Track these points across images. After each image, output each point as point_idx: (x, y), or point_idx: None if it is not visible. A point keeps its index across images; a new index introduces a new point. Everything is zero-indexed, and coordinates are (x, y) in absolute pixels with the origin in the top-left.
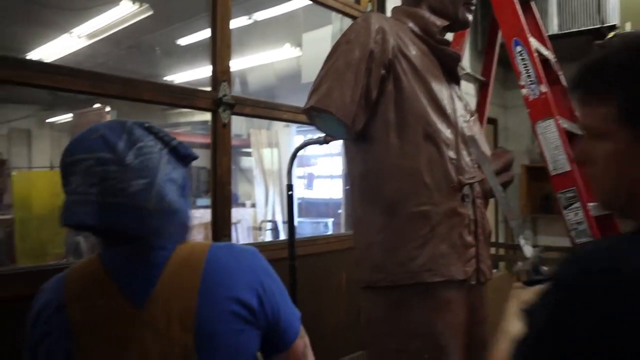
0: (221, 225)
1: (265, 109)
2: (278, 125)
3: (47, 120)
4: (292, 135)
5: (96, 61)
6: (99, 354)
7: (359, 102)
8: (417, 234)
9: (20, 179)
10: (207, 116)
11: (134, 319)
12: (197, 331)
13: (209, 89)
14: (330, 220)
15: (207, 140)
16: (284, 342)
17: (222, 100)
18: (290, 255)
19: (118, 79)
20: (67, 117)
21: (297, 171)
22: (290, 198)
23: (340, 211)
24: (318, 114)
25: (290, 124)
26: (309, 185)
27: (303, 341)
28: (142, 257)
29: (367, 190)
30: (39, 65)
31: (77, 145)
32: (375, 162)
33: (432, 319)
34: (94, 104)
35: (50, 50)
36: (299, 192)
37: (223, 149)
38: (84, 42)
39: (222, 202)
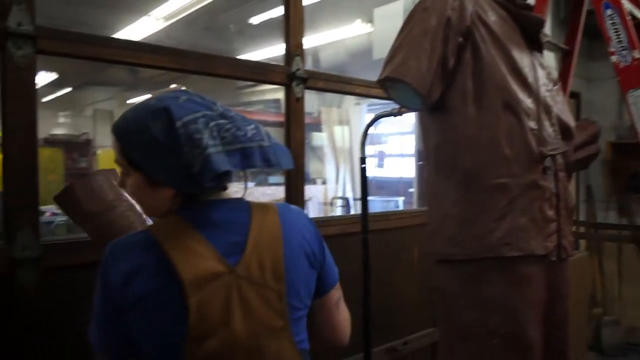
0: (295, 199)
1: (338, 83)
2: (349, 103)
3: (128, 101)
4: (363, 113)
5: (173, 42)
6: (209, 309)
7: (436, 71)
8: (495, 206)
9: (104, 156)
10: (279, 94)
11: (232, 274)
12: (286, 279)
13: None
14: (401, 199)
15: (279, 118)
16: (325, 287)
17: (295, 74)
18: (364, 228)
19: (196, 54)
20: (145, 97)
21: (367, 149)
22: (363, 171)
23: (411, 190)
24: (393, 84)
25: (361, 101)
26: (380, 164)
27: (339, 292)
28: (228, 217)
29: (443, 162)
30: (125, 42)
31: (179, 110)
32: (452, 133)
33: (510, 294)
34: (170, 85)
35: (131, 33)
36: (370, 170)
37: (296, 123)
38: (162, 24)
39: (296, 175)
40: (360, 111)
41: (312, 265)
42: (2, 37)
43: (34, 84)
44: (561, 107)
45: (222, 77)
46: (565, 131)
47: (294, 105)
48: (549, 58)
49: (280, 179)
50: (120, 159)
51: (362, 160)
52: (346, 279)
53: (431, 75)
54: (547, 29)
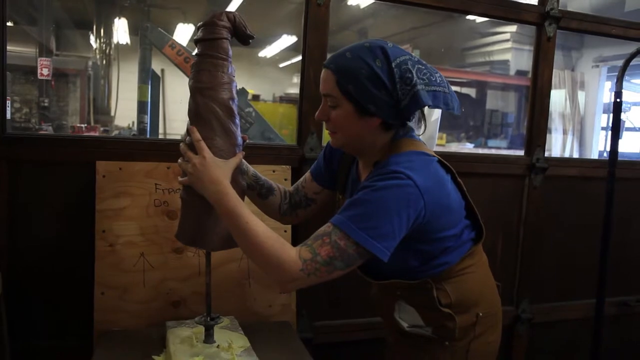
0: (536, 134)
1: (593, 23)
2: (585, 66)
3: None
4: (602, 78)
5: None
6: None
7: None
8: None
9: None
10: (507, 55)
11: None
12: None
13: (536, 2)
14: None
15: (503, 80)
16: None
17: (549, 13)
18: (611, 162)
19: None
20: None
21: (602, 119)
22: (616, 106)
23: None
24: None
25: (600, 64)
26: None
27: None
28: None
29: None
30: None
31: (393, 51)
32: None
33: None
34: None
35: None
36: (602, 144)
37: (545, 62)
38: None
39: (540, 112)
40: (599, 75)
41: None
42: None
43: (328, 18)
44: None
45: (478, 15)
46: None
47: (544, 45)
48: None
49: (499, 142)
50: (332, 90)
51: (617, 94)
52: (581, 223)
53: None
54: None
